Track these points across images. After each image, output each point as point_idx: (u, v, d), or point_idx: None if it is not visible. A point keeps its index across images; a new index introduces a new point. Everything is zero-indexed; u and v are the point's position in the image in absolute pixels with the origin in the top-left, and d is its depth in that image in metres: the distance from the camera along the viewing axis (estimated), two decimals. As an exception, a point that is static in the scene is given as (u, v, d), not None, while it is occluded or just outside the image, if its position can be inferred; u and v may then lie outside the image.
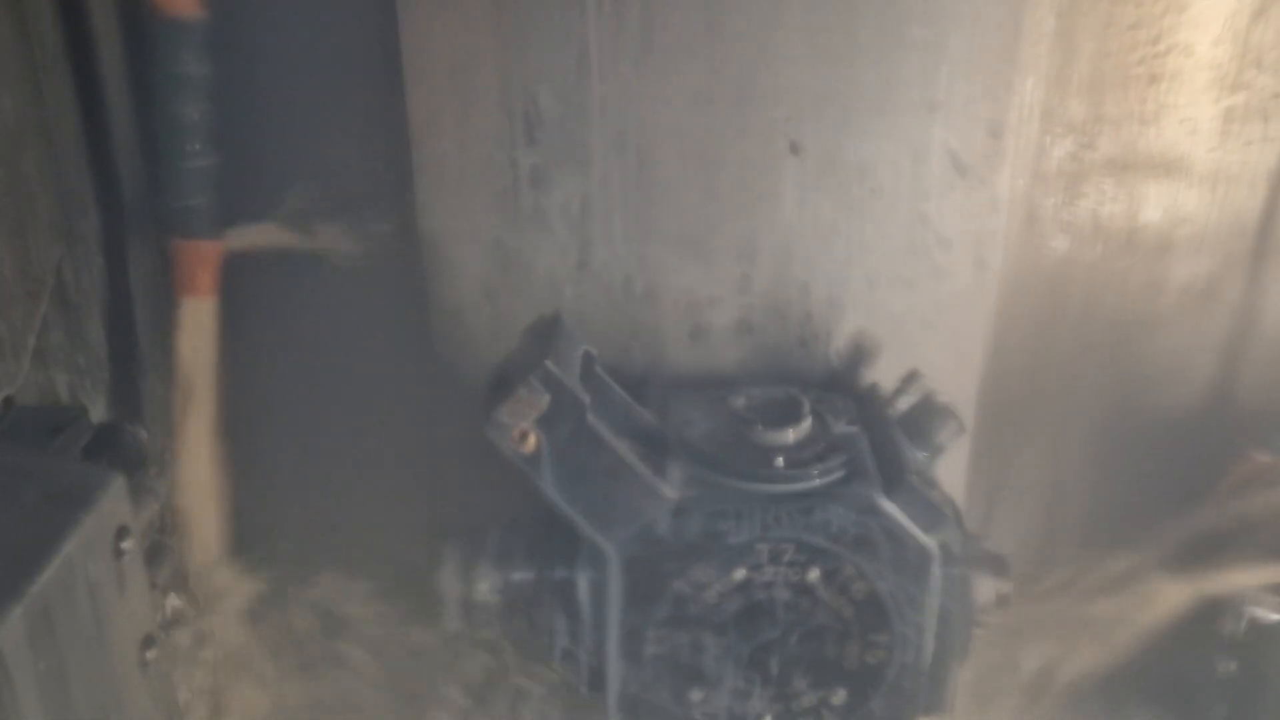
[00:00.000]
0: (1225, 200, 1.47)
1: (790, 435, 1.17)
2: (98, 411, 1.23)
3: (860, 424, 1.25)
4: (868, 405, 1.29)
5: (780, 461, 1.14)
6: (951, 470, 1.36)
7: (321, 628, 1.44)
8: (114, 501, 0.93)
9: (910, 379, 1.28)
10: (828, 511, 1.13)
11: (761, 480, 1.14)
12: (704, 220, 1.30)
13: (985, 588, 1.24)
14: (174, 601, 1.24)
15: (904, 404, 1.27)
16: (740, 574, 1.14)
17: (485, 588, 1.21)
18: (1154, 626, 1.38)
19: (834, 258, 1.32)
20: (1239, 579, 1.33)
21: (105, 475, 0.92)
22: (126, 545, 0.94)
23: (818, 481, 1.15)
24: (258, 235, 1.25)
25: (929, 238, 1.32)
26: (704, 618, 1.16)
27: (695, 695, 1.20)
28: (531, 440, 1.09)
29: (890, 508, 1.14)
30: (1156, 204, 1.47)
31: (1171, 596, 1.36)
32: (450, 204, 1.28)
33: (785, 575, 1.14)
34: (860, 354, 1.34)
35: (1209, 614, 1.36)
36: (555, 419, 1.08)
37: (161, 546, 1.21)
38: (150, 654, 1.01)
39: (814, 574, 1.14)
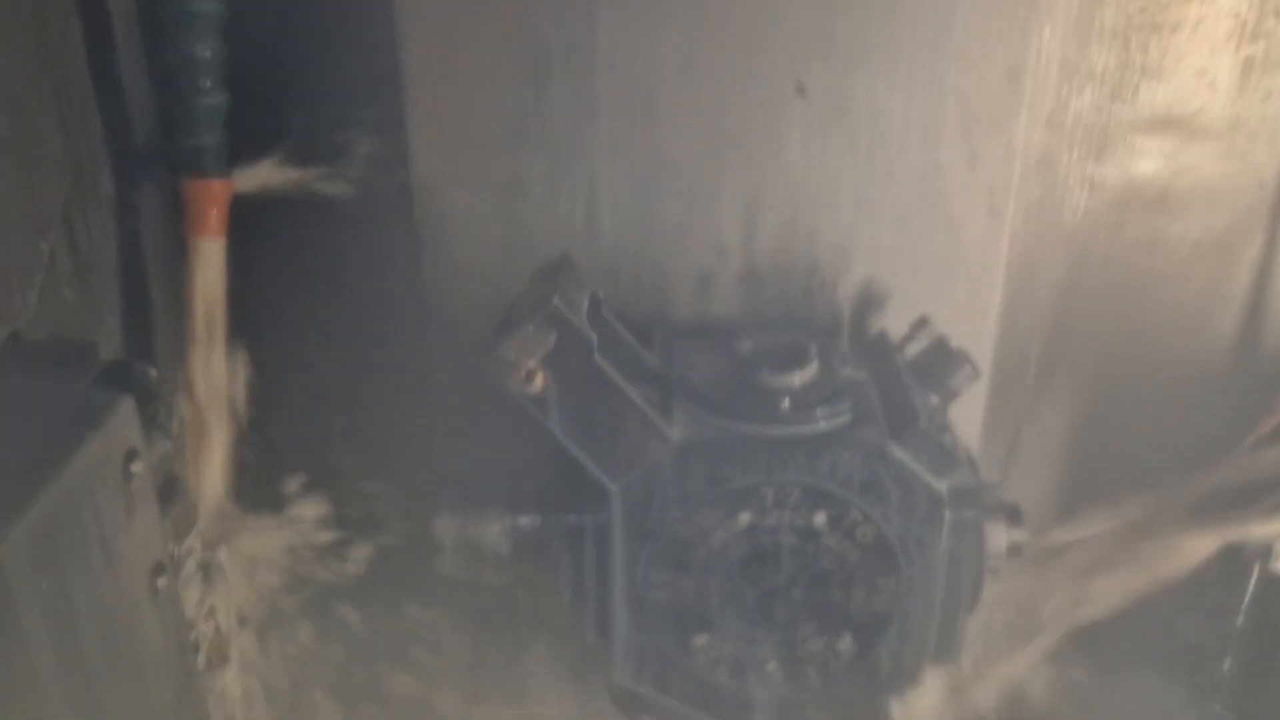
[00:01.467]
0: (1245, 152, 1.45)
1: (796, 379, 1.16)
2: (107, 350, 1.23)
3: (868, 371, 1.24)
4: (876, 352, 1.28)
5: (786, 404, 1.13)
6: (967, 424, 1.35)
7: (327, 572, 1.44)
8: (123, 423, 0.91)
9: (919, 325, 1.27)
10: (834, 455, 1.12)
11: (766, 423, 1.13)
12: (710, 167, 1.28)
13: (998, 535, 1.23)
14: (186, 541, 1.24)
15: (913, 350, 1.25)
16: (745, 518, 1.13)
17: (494, 531, 1.22)
18: (1166, 581, 1.36)
19: (842, 205, 1.31)
20: (1257, 531, 1.31)
21: (114, 397, 0.91)
22: (136, 468, 0.93)
23: (824, 425, 1.14)
24: (264, 177, 1.25)
25: (940, 185, 1.30)
26: (709, 563, 1.15)
27: (700, 641, 1.19)
28: (538, 379, 1.08)
29: (898, 452, 1.13)
30: (1175, 156, 1.45)
31: (1187, 550, 1.34)
32: (452, 151, 1.27)
33: (791, 520, 1.13)
34: (868, 303, 1.33)
35: (1223, 567, 1.34)
36: (562, 358, 1.08)
37: (173, 485, 1.21)
38: (161, 582, 1.00)
39: (820, 518, 1.13)
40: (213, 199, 1.23)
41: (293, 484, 1.32)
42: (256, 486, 1.33)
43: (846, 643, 1.20)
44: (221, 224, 1.24)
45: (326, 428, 1.46)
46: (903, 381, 1.20)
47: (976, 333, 1.36)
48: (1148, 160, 1.45)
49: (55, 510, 0.81)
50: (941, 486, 1.14)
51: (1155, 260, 1.48)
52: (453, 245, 1.31)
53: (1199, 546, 1.35)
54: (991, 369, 1.39)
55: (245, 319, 1.28)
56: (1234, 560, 1.34)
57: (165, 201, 1.26)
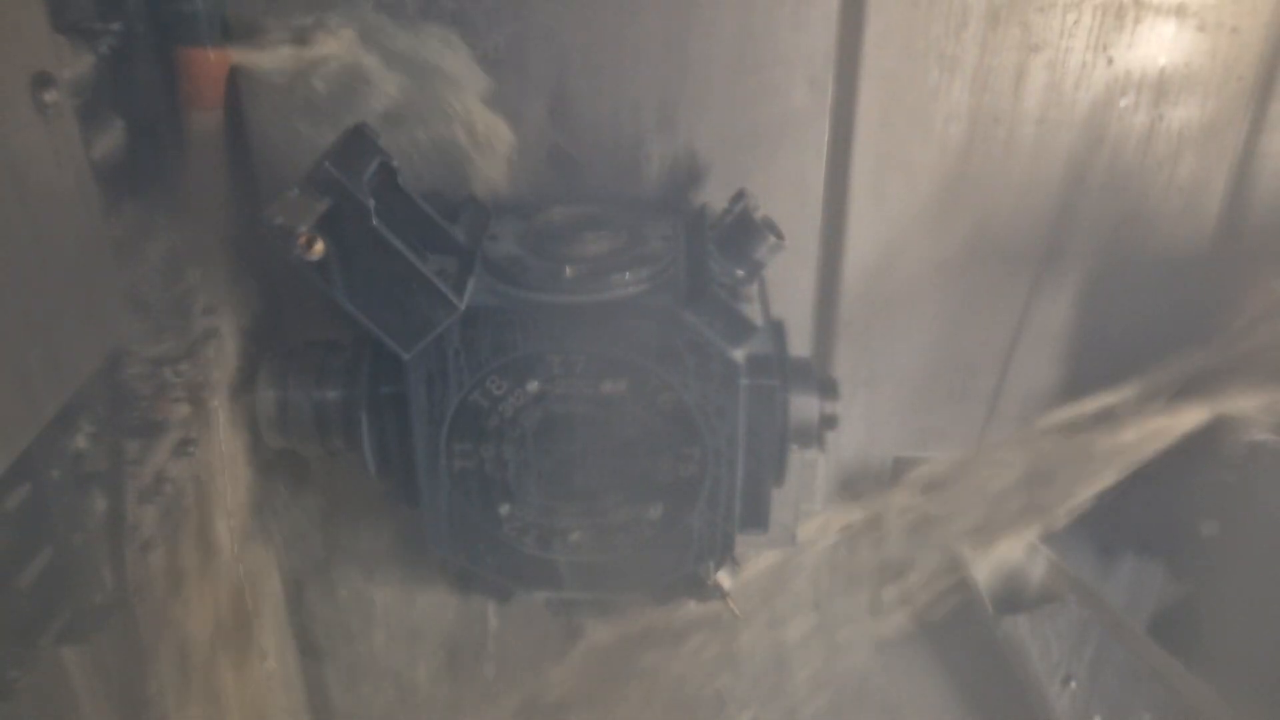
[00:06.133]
0: (1236, 27, 1.36)
1: (588, 248, 1.15)
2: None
3: (685, 242, 1.23)
4: (693, 225, 1.26)
5: (568, 272, 1.12)
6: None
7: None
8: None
9: (738, 199, 1.25)
10: (623, 322, 1.12)
11: (552, 291, 1.12)
12: (522, 32, 1.25)
13: (808, 407, 1.24)
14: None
15: (726, 221, 1.24)
16: (533, 386, 1.13)
17: (299, 404, 1.22)
18: (1152, 460, 1.36)
19: (661, 75, 1.28)
20: (1241, 404, 1.32)
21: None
22: None
23: (616, 293, 1.14)
24: (259, 50, 1.22)
25: (759, 54, 1.27)
26: (503, 432, 1.16)
27: (504, 511, 1.21)
28: (318, 246, 1.07)
29: (690, 319, 1.12)
30: (1174, 41, 1.37)
31: (1175, 426, 1.34)
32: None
33: (580, 387, 1.14)
34: (688, 176, 1.31)
35: (1207, 444, 1.35)
36: (340, 224, 1.06)
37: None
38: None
39: (609, 386, 1.13)
40: (207, 71, 1.20)
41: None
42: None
43: (655, 511, 1.22)
44: (218, 97, 1.21)
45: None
46: (707, 252, 1.19)
47: (800, 205, 1.35)
48: (1149, 46, 1.37)
49: None
50: (737, 354, 1.14)
51: (1152, 147, 1.43)
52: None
53: (1186, 421, 1.35)
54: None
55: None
56: (1220, 433, 1.35)
57: (162, 74, 1.21)
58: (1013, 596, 1.63)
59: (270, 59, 1.24)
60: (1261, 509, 1.42)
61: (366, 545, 1.55)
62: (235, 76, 1.25)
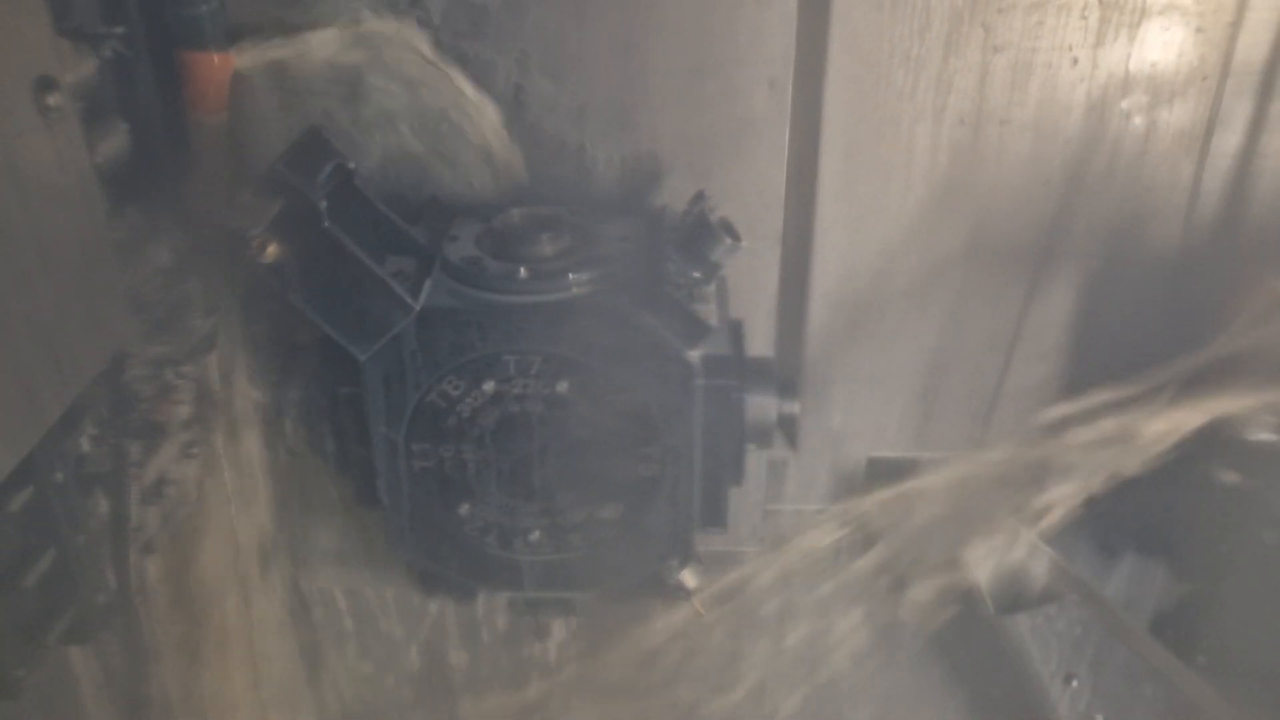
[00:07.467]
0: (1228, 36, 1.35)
1: (544, 248, 1.16)
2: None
3: (645, 244, 1.24)
4: (651, 227, 1.27)
5: (523, 273, 1.13)
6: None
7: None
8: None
9: (696, 201, 1.26)
10: (577, 323, 1.13)
11: (508, 291, 1.13)
12: (476, 34, 1.26)
13: (765, 406, 1.24)
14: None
15: (684, 223, 1.24)
16: (489, 386, 1.14)
17: (261, 406, 1.23)
18: (1153, 461, 1.36)
19: (618, 76, 1.29)
20: (1240, 403, 1.32)
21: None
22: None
23: (571, 293, 1.14)
24: (263, 52, 1.23)
25: (718, 56, 1.28)
26: (462, 431, 1.17)
27: (464, 510, 1.22)
28: (271, 249, 1.08)
29: (646, 319, 1.13)
30: (1168, 42, 1.36)
31: (1174, 426, 1.34)
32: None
33: (536, 388, 1.14)
34: (647, 178, 1.32)
35: (1207, 444, 1.35)
36: (292, 226, 1.08)
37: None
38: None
39: (566, 386, 1.14)
40: (211, 74, 1.20)
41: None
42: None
43: (613, 510, 1.22)
44: (221, 100, 1.22)
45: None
46: (664, 254, 1.19)
47: (763, 207, 1.35)
48: (1114, 46, 1.36)
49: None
50: (692, 354, 1.15)
51: (1124, 147, 1.42)
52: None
53: (1184, 421, 1.35)
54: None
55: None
56: (1218, 433, 1.35)
57: (165, 77, 1.22)
58: (1014, 596, 1.63)
59: (273, 63, 1.25)
60: (1261, 508, 1.42)
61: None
62: (239, 80, 1.26)
